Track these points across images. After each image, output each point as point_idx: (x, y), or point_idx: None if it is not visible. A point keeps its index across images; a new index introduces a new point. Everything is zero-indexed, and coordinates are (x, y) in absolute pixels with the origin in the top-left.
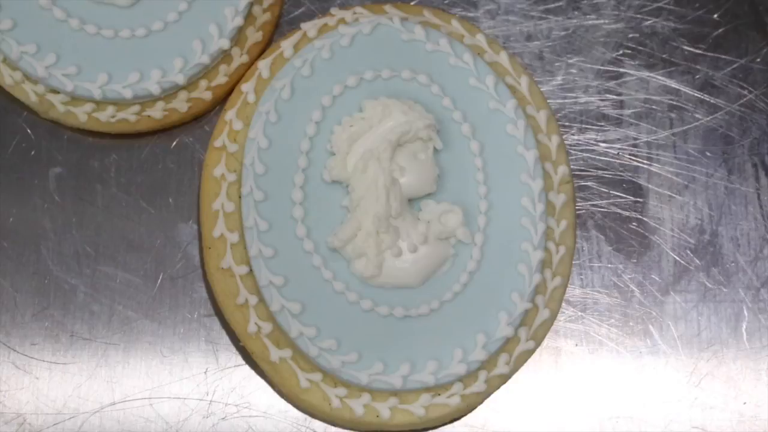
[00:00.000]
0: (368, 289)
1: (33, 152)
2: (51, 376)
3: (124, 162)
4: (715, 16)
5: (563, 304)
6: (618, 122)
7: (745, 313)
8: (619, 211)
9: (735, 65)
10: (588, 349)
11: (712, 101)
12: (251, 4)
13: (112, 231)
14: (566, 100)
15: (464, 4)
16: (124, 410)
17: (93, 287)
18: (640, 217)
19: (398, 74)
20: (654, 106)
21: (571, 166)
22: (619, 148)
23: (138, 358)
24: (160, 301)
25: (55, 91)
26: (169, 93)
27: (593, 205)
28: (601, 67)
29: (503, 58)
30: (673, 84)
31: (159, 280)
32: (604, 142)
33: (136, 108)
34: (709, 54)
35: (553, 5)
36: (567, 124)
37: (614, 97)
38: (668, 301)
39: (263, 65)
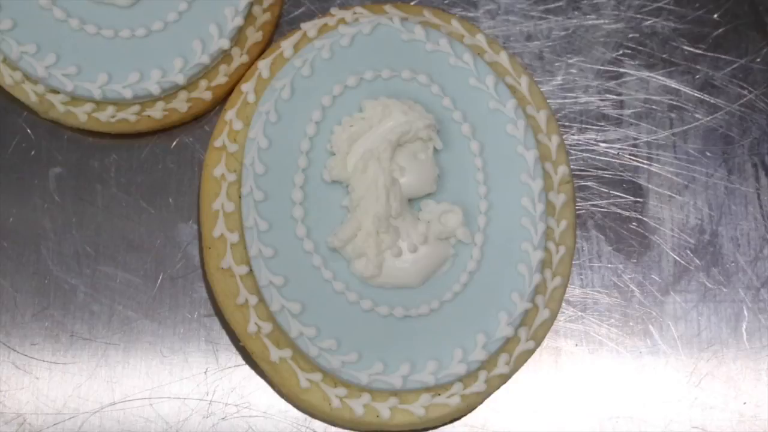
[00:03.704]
0: (368, 289)
1: (33, 152)
2: (51, 376)
3: (124, 162)
4: (715, 16)
5: (563, 304)
6: (618, 122)
7: (745, 313)
8: (619, 211)
9: (735, 65)
10: (588, 349)
11: (712, 101)
12: (251, 4)
13: (112, 231)
14: (566, 100)
15: (464, 4)
16: (124, 410)
17: (93, 287)
18: (640, 217)
19: (398, 74)
20: (654, 106)
21: (571, 166)
22: (619, 148)
23: (138, 358)
24: (160, 301)
25: (55, 91)
26: (169, 93)
27: (593, 205)
28: (601, 67)
29: (503, 58)
30: (673, 84)
31: (159, 280)
32: (604, 142)
33: (136, 108)
34: (709, 54)
35: (553, 5)
36: (567, 124)
37: (614, 97)
38: (668, 301)
39: (263, 65)
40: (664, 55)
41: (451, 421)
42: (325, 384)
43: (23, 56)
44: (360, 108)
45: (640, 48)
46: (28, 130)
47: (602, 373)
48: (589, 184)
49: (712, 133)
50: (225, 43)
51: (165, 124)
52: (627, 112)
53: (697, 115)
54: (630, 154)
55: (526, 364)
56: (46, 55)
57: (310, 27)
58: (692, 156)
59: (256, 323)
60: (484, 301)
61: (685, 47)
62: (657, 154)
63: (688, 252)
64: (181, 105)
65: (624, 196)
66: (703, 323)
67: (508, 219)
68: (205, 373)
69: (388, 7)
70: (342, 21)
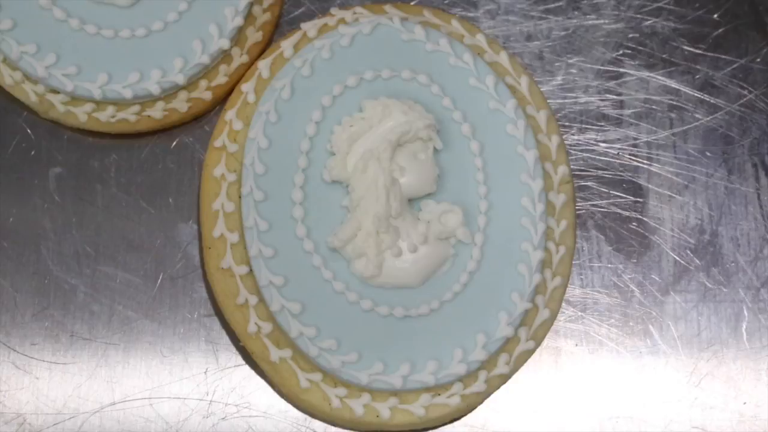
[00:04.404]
0: (368, 289)
1: (33, 152)
2: (51, 376)
3: (124, 162)
4: (715, 16)
5: (563, 304)
6: (618, 122)
7: (745, 313)
8: (619, 211)
9: (735, 65)
10: (588, 349)
11: (712, 101)
12: (251, 4)
13: (112, 231)
14: (566, 100)
15: (464, 4)
16: (124, 410)
17: (93, 287)
18: (640, 217)
19: (398, 74)
20: (654, 106)
21: (571, 166)
22: (619, 148)
23: (138, 358)
24: (160, 301)
25: (55, 91)
26: (169, 93)
27: (593, 205)
28: (601, 67)
29: (503, 58)
30: (673, 84)
31: (159, 280)
32: (604, 142)
33: (136, 108)
34: (709, 54)
35: (553, 5)
36: (567, 124)
37: (614, 97)
38: (668, 301)
39: (263, 65)
40: (664, 55)
41: (451, 421)
42: (325, 384)
43: (23, 56)
44: (360, 108)
45: (640, 48)
46: (28, 130)
47: (602, 373)
48: (589, 184)
49: (712, 133)
50: (225, 43)
51: (165, 124)
52: (627, 112)
53: (697, 115)
54: (630, 154)
55: (526, 364)
56: (46, 55)
57: (310, 27)
58: (692, 156)
59: (256, 323)
60: (484, 301)
61: (685, 47)
62: (657, 154)
63: (688, 252)
64: (181, 105)
65: (624, 196)
66: (703, 323)
67: (508, 219)
68: (205, 373)
69: (388, 7)
70: (342, 21)
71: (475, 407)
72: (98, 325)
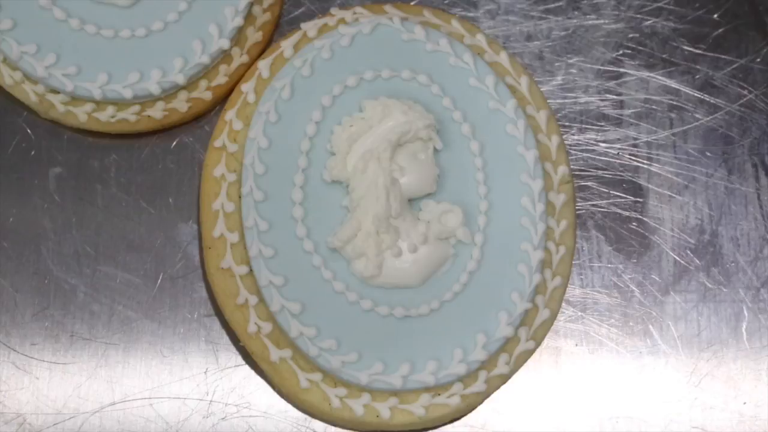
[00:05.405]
0: (368, 289)
1: (33, 152)
2: (51, 376)
3: (124, 162)
4: (715, 16)
5: (563, 304)
6: (618, 122)
7: (745, 313)
8: (619, 211)
9: (735, 65)
10: (588, 349)
11: (712, 101)
12: (251, 4)
13: (112, 231)
14: (566, 100)
15: (464, 4)
16: (124, 410)
17: (93, 287)
18: (640, 217)
19: (398, 74)
20: (654, 106)
21: (571, 166)
22: (619, 148)
23: (138, 358)
24: (160, 301)
25: (55, 91)
26: (169, 93)
27: (593, 205)
28: (601, 67)
29: (503, 58)
30: (673, 84)
31: (159, 280)
32: (604, 142)
33: (136, 108)
34: (709, 54)
35: (553, 5)
36: (567, 124)
37: (614, 97)
38: (668, 301)
39: (263, 65)
40: (664, 55)
41: (451, 421)
42: (325, 384)
43: (23, 56)
44: (360, 108)
45: (640, 48)
46: (28, 130)
47: (602, 373)
48: (589, 184)
49: (712, 133)
50: (225, 43)
51: (165, 124)
52: (627, 112)
53: (697, 115)
54: (630, 154)
55: (526, 364)
56: (46, 55)
57: (310, 27)
58: (692, 156)
59: (256, 323)
60: (484, 301)
61: (685, 47)
62: (657, 154)
63: (688, 252)
64: (181, 105)
65: (624, 196)
66: (703, 323)
67: (508, 219)
68: (205, 373)
69: (388, 7)
70: (342, 21)
71: (475, 407)
72: (98, 325)
